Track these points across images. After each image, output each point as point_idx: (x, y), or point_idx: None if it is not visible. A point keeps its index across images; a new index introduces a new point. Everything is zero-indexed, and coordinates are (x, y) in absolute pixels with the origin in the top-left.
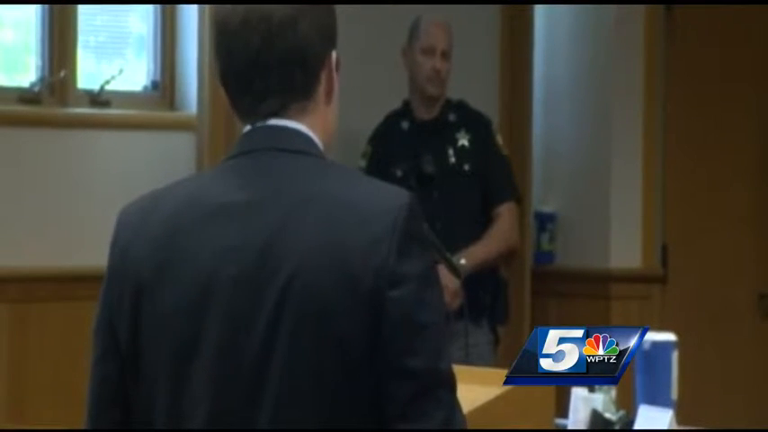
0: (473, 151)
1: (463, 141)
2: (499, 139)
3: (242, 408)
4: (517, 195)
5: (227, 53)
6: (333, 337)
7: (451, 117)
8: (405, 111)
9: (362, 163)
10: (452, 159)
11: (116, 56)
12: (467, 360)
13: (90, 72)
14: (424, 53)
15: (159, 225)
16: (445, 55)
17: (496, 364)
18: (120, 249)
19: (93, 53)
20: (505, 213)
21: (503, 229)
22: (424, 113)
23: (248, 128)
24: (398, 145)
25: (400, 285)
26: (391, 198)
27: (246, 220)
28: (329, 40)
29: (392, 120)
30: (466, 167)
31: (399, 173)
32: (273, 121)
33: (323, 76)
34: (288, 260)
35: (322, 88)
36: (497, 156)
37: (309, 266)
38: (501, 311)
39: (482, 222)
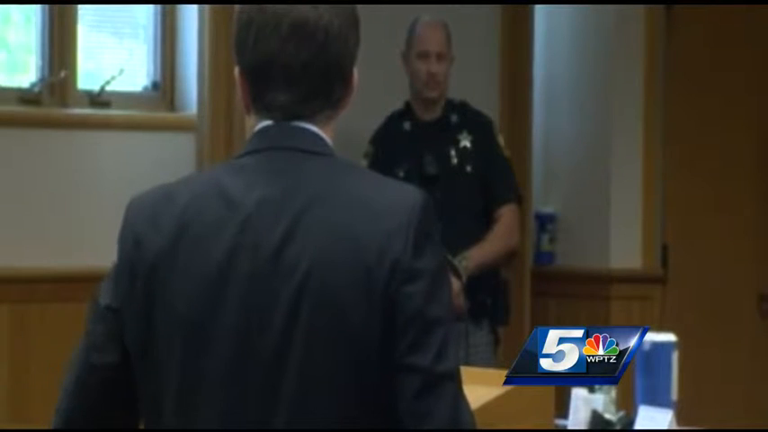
0: (475, 152)
1: (465, 142)
2: (501, 140)
3: (257, 404)
4: (519, 197)
5: (275, 50)
6: (348, 332)
7: (453, 118)
8: (406, 111)
9: (364, 163)
10: (454, 160)
11: (116, 56)
12: (467, 360)
13: (90, 72)
14: (419, 57)
15: (173, 218)
16: (441, 57)
17: (497, 364)
18: (132, 241)
19: (94, 53)
20: (507, 215)
21: (504, 230)
22: (425, 114)
23: (266, 124)
24: (400, 145)
25: (415, 281)
26: (405, 195)
27: (261, 218)
28: (356, 54)
29: (394, 120)
30: (468, 168)
31: (402, 173)
32: (296, 123)
33: (349, 92)
34: (303, 257)
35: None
36: (499, 157)
37: (325, 263)
38: (502, 312)
39: (483, 223)
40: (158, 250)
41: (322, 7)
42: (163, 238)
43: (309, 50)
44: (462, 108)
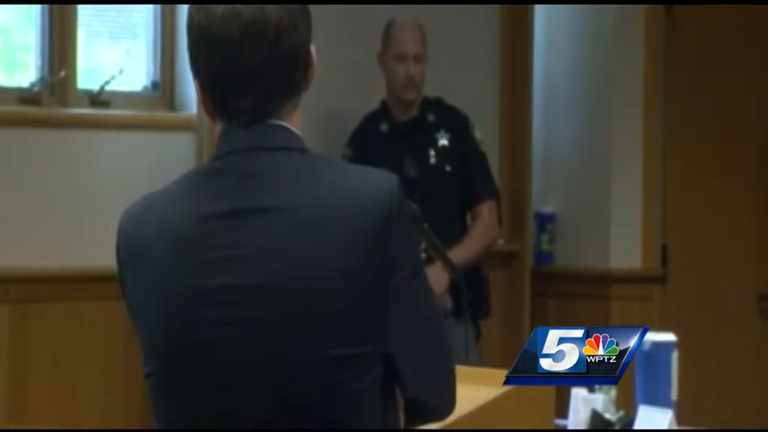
0: (453, 150)
1: (443, 141)
2: (477, 136)
3: (249, 409)
4: (496, 193)
5: (230, 58)
6: (340, 332)
7: (430, 117)
8: (383, 112)
9: None
10: (433, 160)
11: (116, 55)
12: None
13: (90, 72)
14: (396, 59)
15: (152, 236)
16: (418, 58)
17: (480, 356)
18: (123, 258)
19: (93, 53)
20: (486, 212)
21: (484, 228)
22: (402, 115)
23: (235, 126)
24: (379, 147)
25: (400, 269)
26: (380, 187)
27: (239, 227)
28: (310, 34)
29: (370, 121)
30: (447, 168)
31: None
32: (264, 121)
33: (310, 75)
34: (288, 263)
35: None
36: (476, 154)
37: (310, 267)
38: (482, 307)
39: (462, 222)
40: (136, 268)
41: (268, 7)
42: (143, 253)
43: (263, 51)
44: (438, 105)
